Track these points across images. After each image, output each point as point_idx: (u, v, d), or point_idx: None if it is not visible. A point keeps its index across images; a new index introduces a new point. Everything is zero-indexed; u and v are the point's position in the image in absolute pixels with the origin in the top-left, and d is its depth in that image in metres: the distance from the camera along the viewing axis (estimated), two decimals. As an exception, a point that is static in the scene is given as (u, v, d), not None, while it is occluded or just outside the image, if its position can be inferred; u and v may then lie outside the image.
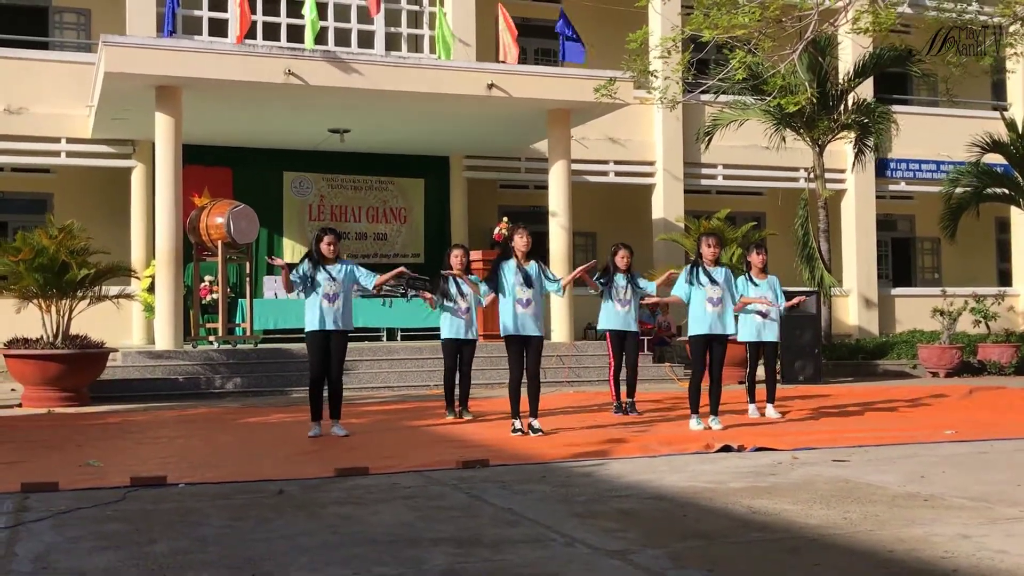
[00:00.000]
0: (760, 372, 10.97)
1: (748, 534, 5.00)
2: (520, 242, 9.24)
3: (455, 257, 10.52)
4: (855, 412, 11.01)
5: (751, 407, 10.79)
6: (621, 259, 10.97)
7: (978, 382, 15.65)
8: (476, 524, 5.26)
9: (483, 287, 9.94)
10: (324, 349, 9.16)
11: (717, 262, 9.83)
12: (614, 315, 10.95)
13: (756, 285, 10.92)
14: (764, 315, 10.87)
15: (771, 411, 10.70)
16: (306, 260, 9.27)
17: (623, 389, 11.06)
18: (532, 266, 9.22)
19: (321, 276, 9.12)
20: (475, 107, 16.48)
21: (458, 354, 10.57)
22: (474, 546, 4.77)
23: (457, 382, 10.62)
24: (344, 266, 9.31)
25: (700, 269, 9.68)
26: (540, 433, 8.97)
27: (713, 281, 9.61)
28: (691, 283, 9.68)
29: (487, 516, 5.47)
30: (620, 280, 10.91)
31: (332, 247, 9.24)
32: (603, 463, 7.37)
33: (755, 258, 11.09)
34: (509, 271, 9.13)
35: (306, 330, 9.28)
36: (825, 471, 6.87)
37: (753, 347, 10.98)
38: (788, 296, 11.59)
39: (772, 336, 10.94)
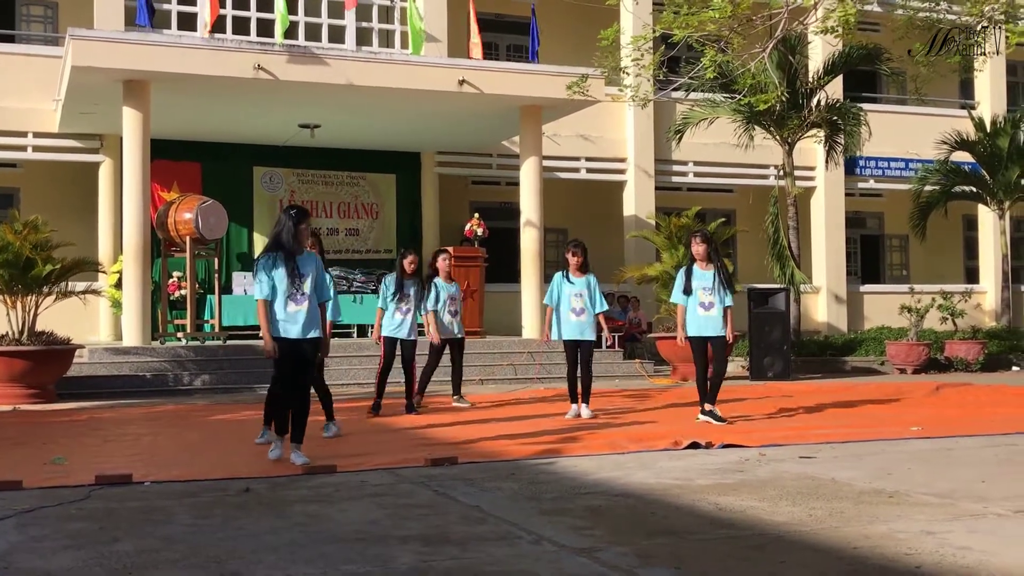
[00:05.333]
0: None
1: (715, 531, 5.02)
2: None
3: (443, 260, 11.15)
4: (823, 409, 11.07)
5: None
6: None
7: (945, 379, 15.78)
8: (444, 522, 5.25)
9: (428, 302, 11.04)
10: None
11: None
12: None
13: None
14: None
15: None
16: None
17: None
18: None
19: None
20: (446, 103, 16.45)
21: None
22: (442, 544, 4.76)
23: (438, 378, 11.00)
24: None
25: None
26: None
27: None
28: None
29: (455, 514, 5.46)
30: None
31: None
32: (571, 460, 7.38)
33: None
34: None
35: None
36: (792, 468, 6.91)
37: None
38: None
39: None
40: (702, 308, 9.72)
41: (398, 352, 10.70)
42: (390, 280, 10.70)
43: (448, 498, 5.92)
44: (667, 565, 4.34)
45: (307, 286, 7.36)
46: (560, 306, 10.36)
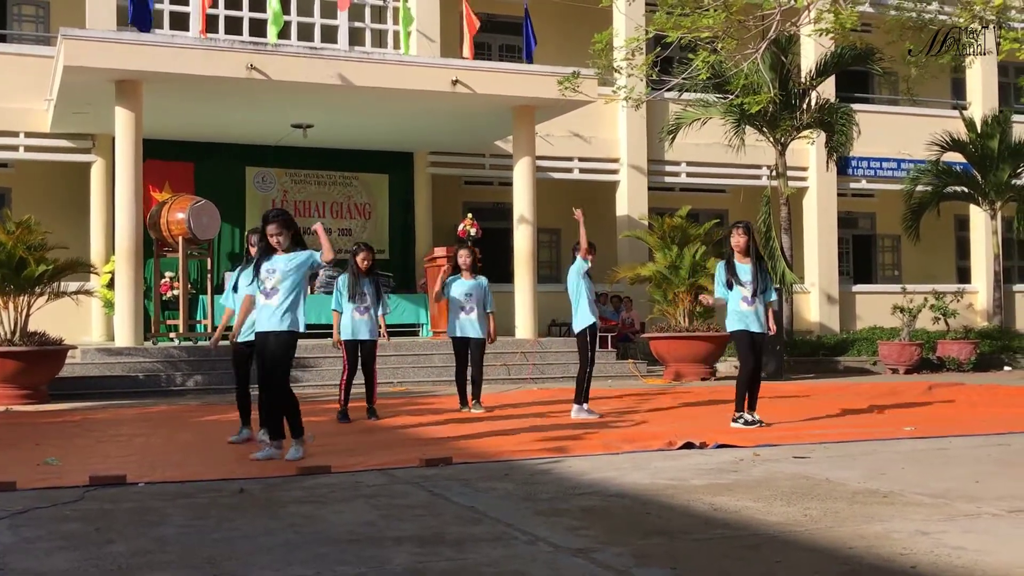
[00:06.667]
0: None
1: (710, 531, 5.02)
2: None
3: (461, 256, 11.09)
4: (816, 409, 11.07)
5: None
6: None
7: (937, 379, 15.81)
8: (439, 523, 5.24)
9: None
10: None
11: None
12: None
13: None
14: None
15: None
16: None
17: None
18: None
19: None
20: (439, 103, 16.44)
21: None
22: (437, 545, 4.75)
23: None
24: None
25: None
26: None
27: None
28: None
29: (450, 514, 5.45)
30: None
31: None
32: (566, 461, 7.37)
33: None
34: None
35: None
36: (786, 468, 6.91)
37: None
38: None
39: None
40: (745, 303, 9.35)
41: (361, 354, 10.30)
42: (342, 281, 10.30)
43: (443, 499, 5.91)
44: (663, 565, 4.33)
45: (273, 282, 7.31)
46: (583, 300, 10.34)
